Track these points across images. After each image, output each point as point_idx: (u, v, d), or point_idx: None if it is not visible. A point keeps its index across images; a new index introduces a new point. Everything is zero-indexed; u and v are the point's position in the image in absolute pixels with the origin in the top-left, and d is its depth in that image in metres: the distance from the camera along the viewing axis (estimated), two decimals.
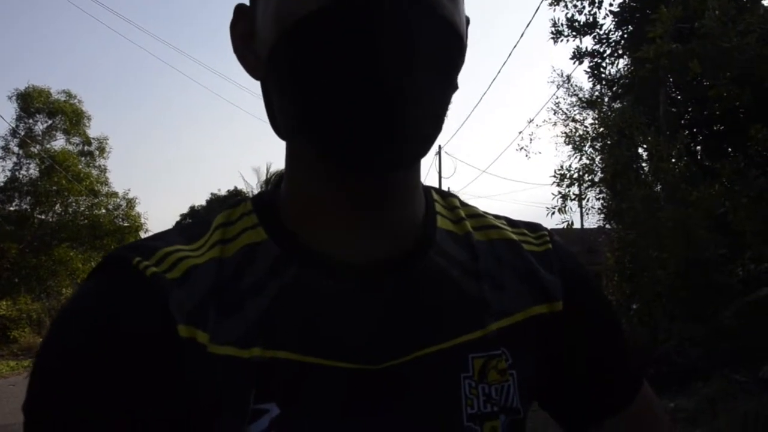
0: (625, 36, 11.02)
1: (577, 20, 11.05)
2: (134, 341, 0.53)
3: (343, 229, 0.61)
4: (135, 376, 0.52)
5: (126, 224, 20.31)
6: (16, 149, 19.22)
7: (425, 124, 0.56)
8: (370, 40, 0.51)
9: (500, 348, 0.63)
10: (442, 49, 0.55)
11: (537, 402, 0.72)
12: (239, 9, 0.66)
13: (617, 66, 11.65)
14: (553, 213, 8.99)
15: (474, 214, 0.73)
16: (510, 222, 0.74)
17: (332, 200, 0.60)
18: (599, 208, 9.75)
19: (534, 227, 0.74)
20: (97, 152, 20.51)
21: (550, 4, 10.81)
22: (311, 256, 0.61)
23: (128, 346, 0.53)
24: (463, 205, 0.74)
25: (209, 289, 0.57)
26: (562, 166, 9.20)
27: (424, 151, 0.59)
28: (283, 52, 0.56)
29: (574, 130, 10.61)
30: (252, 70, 0.64)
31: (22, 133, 19.14)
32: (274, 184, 0.69)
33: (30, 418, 0.52)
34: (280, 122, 0.61)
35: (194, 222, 0.66)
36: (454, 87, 0.61)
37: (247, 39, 0.64)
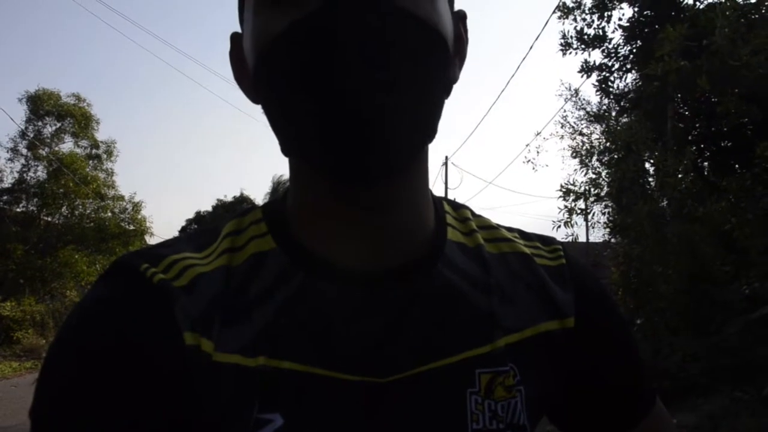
0: (634, 51, 11.01)
1: (586, 33, 11.06)
2: (140, 349, 0.53)
3: (348, 238, 0.61)
4: (140, 384, 0.53)
5: (132, 228, 20.27)
6: (24, 151, 19.26)
7: (408, 132, 0.55)
8: (335, 56, 0.50)
9: (508, 364, 0.62)
10: (420, 55, 0.54)
11: (548, 417, 0.72)
12: (234, 37, 0.67)
13: (625, 80, 11.65)
14: (559, 227, 8.98)
15: (486, 225, 0.72)
16: (523, 234, 0.74)
17: (333, 210, 0.60)
18: (605, 223, 9.71)
19: (547, 241, 0.73)
20: (104, 155, 20.49)
21: (560, 17, 10.83)
22: (319, 265, 0.60)
23: (134, 354, 0.53)
24: (475, 216, 0.73)
25: (216, 298, 0.58)
26: (568, 181, 9.19)
27: (411, 157, 0.58)
28: (259, 77, 0.57)
29: (581, 144, 10.61)
30: (249, 94, 0.65)
31: (31, 136, 19.17)
32: (283, 193, 0.69)
33: (36, 424, 0.53)
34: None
35: (203, 230, 0.67)
36: (446, 88, 0.60)
37: (243, 65, 0.64)
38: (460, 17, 0.66)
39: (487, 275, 0.66)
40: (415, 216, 0.63)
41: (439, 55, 0.57)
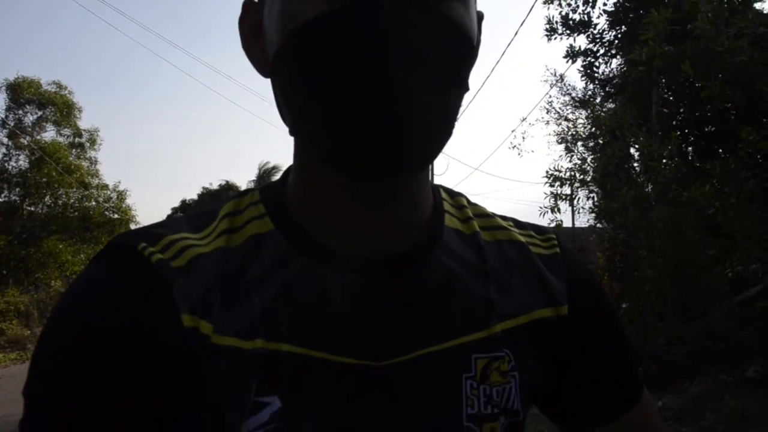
0: (619, 36, 11.04)
1: (571, 19, 11.06)
2: (137, 330, 0.53)
3: (350, 224, 0.60)
4: (137, 366, 0.52)
5: (116, 216, 20.15)
6: (5, 140, 19.03)
7: (433, 130, 0.55)
8: (372, 48, 0.50)
9: (503, 349, 0.63)
10: (451, 52, 0.54)
11: (537, 405, 0.72)
12: (247, 4, 0.65)
13: (610, 66, 11.69)
14: (545, 213, 9.02)
15: (481, 213, 0.73)
16: (517, 223, 0.74)
17: (338, 197, 0.60)
18: (590, 208, 9.77)
19: (541, 230, 0.74)
20: (87, 144, 20.31)
21: (545, 2, 10.83)
22: (318, 248, 0.60)
23: (131, 336, 0.52)
24: (471, 204, 0.73)
25: (214, 279, 0.57)
26: (554, 167, 9.23)
27: (432, 157, 0.58)
28: (285, 58, 0.56)
29: (566, 130, 10.65)
30: (259, 66, 0.64)
31: (12, 124, 18.95)
32: (283, 175, 0.68)
33: (30, 404, 0.52)
34: (286, 120, 0.60)
35: (201, 211, 0.66)
36: (465, 88, 0.60)
37: (255, 35, 0.63)
38: (478, 18, 0.65)
39: (484, 262, 0.66)
40: (416, 204, 0.64)
41: (468, 58, 0.58)
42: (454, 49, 0.55)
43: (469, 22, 0.57)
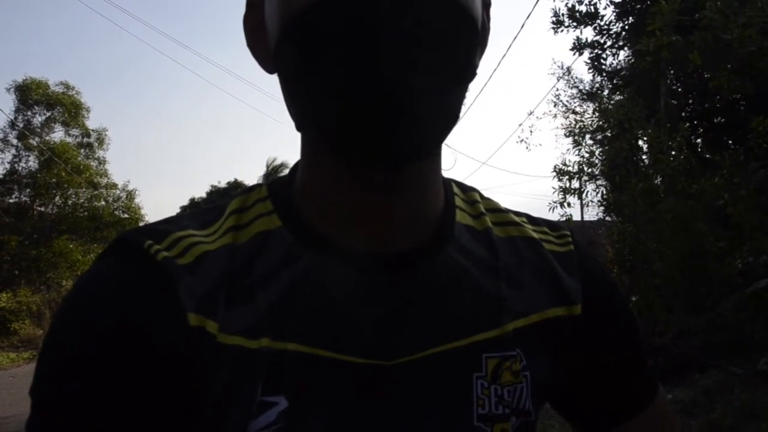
0: (626, 27, 10.97)
1: (578, 10, 10.98)
2: (143, 329, 0.52)
3: (358, 219, 0.59)
4: (143, 366, 0.52)
5: (126, 216, 20.23)
6: (14, 141, 19.12)
7: (437, 115, 0.53)
8: (373, 31, 0.48)
9: (515, 349, 0.61)
10: (453, 36, 0.53)
11: (550, 404, 0.71)
12: (250, 1, 0.64)
13: (618, 58, 11.62)
14: (554, 208, 8.99)
15: (494, 209, 0.71)
16: (531, 219, 0.73)
17: (346, 190, 0.59)
18: (599, 201, 9.73)
19: (555, 226, 0.72)
20: (96, 144, 20.37)
21: None
22: (325, 245, 0.59)
23: (137, 335, 0.52)
24: (483, 199, 0.72)
25: (221, 277, 0.56)
26: (563, 161, 9.19)
27: (438, 143, 0.57)
28: (285, 48, 0.55)
29: (574, 123, 10.61)
30: (263, 63, 0.63)
31: (21, 125, 19.04)
32: (290, 171, 0.67)
33: (37, 403, 0.52)
34: (292, 114, 0.59)
35: (207, 207, 0.65)
36: (472, 74, 0.58)
37: (258, 32, 0.62)
38: (485, 5, 0.64)
39: (496, 259, 0.65)
40: (426, 198, 0.62)
41: (472, 41, 0.56)
42: (457, 30, 0.53)
43: (472, 4, 0.55)
